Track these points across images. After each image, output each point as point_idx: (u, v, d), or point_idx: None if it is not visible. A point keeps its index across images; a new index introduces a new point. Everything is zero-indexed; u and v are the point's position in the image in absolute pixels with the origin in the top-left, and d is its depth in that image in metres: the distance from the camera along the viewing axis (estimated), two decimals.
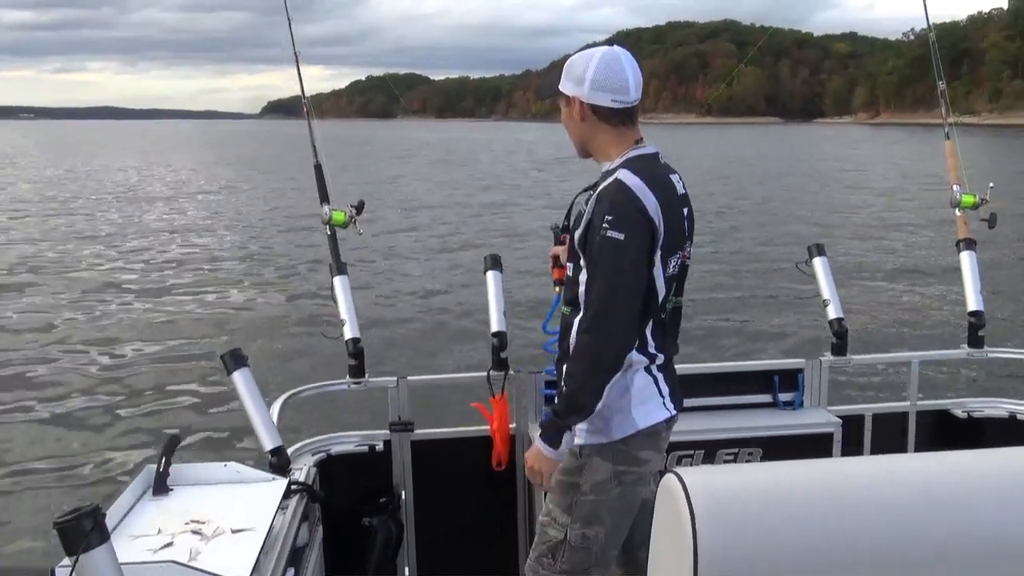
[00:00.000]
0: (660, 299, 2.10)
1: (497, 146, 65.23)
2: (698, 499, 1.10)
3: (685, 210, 2.16)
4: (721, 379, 3.20)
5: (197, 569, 1.76)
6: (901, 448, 3.26)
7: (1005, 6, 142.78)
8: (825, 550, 1.12)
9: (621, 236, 1.98)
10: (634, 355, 2.09)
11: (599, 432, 2.12)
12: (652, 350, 2.13)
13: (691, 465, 2.94)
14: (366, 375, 3.03)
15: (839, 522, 1.13)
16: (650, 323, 2.11)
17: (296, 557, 2.24)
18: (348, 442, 3.01)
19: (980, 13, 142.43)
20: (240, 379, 2.49)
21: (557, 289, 2.36)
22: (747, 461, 2.96)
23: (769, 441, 2.98)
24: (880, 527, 1.12)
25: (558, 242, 2.42)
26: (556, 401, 2.14)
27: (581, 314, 2.09)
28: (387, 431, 3.02)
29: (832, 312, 3.26)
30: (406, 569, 3.08)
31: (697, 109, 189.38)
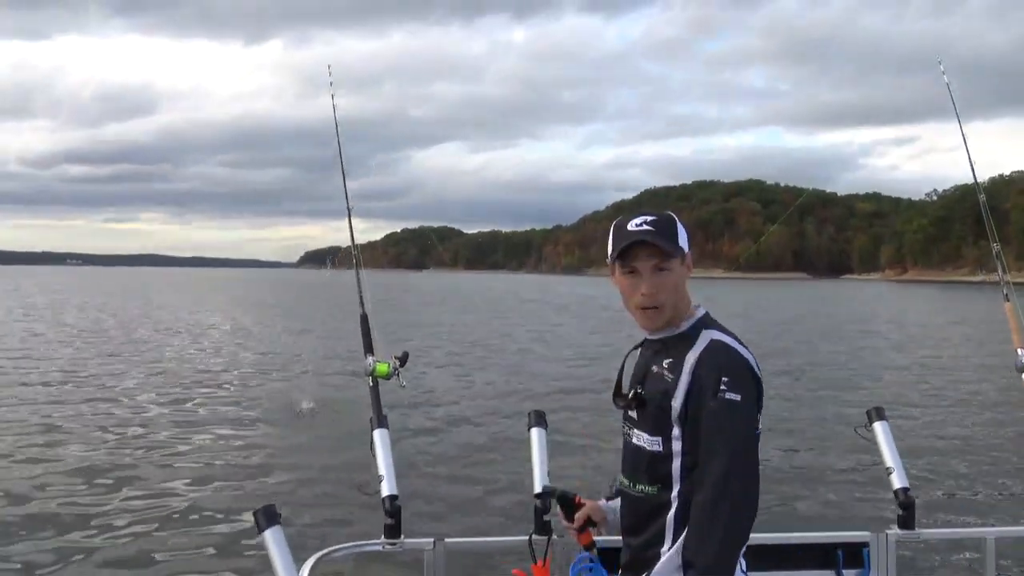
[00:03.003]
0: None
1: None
2: None
3: None
4: (780, 551, 2.99)
5: None
6: None
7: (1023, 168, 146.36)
8: None
9: (738, 398, 1.91)
10: None
11: None
12: None
13: None
14: (402, 535, 2.89)
15: None
16: None
17: None
18: None
19: (1001, 176, 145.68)
20: (271, 538, 2.39)
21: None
22: None
23: None
24: None
25: (569, 504, 2.23)
26: (697, 559, 1.91)
27: (695, 489, 1.94)
28: None
29: (897, 481, 3.07)
30: None
31: (724, 264, 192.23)
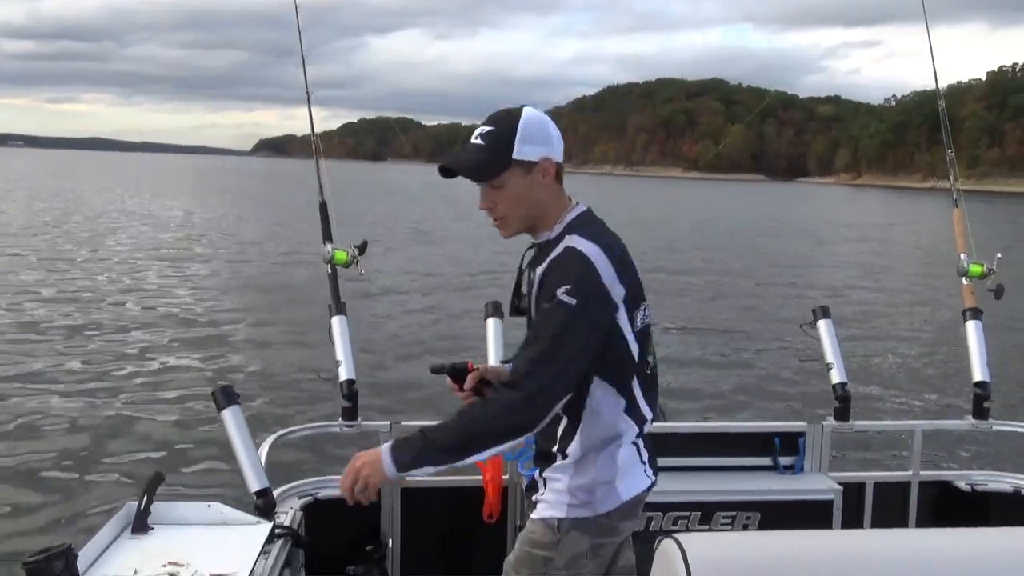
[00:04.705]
0: (637, 357, 1.96)
1: None
2: (698, 569, 1.07)
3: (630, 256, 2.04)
4: (721, 439, 3.16)
5: None
6: (902, 519, 3.21)
7: (983, 77, 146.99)
8: None
9: (573, 302, 1.82)
10: (625, 423, 1.96)
11: (583, 506, 1.97)
12: (644, 414, 2.00)
13: (687, 527, 2.88)
14: (359, 418, 2.96)
15: None
16: (636, 384, 1.98)
17: None
18: (336, 487, 2.92)
19: (959, 83, 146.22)
20: (230, 417, 2.43)
21: None
22: (745, 525, 2.91)
23: (768, 506, 2.94)
24: None
25: (461, 374, 2.03)
26: (438, 427, 1.88)
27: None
28: None
29: (836, 376, 3.23)
30: None
31: (684, 164, 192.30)
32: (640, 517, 2.10)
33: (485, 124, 1.98)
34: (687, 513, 2.87)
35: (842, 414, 3.20)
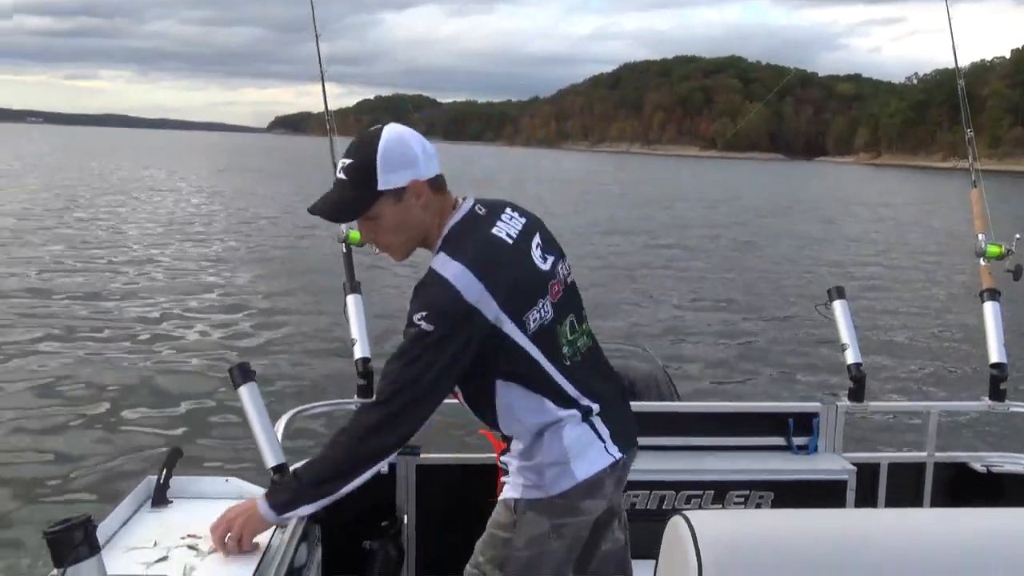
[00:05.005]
0: (540, 358, 1.89)
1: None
2: (706, 546, 1.06)
3: (534, 242, 1.96)
4: (734, 419, 3.15)
5: None
6: (917, 500, 3.20)
7: (1007, 55, 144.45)
8: None
9: (431, 328, 1.79)
10: (558, 412, 1.92)
11: (535, 487, 1.95)
12: (579, 400, 1.94)
13: (700, 506, 2.89)
14: (374, 395, 2.98)
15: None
16: (558, 378, 1.92)
17: None
18: None
19: (982, 61, 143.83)
20: (246, 393, 2.45)
21: None
22: (758, 504, 2.92)
23: (781, 485, 2.94)
24: None
25: None
26: (306, 464, 1.92)
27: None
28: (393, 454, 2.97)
29: (850, 357, 3.20)
30: None
31: (701, 142, 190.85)
32: (607, 496, 2.03)
33: (346, 155, 1.91)
34: (700, 492, 2.88)
35: (857, 395, 3.18)
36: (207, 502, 2.24)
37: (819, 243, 22.69)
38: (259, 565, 1.90)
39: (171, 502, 2.21)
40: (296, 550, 2.23)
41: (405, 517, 2.99)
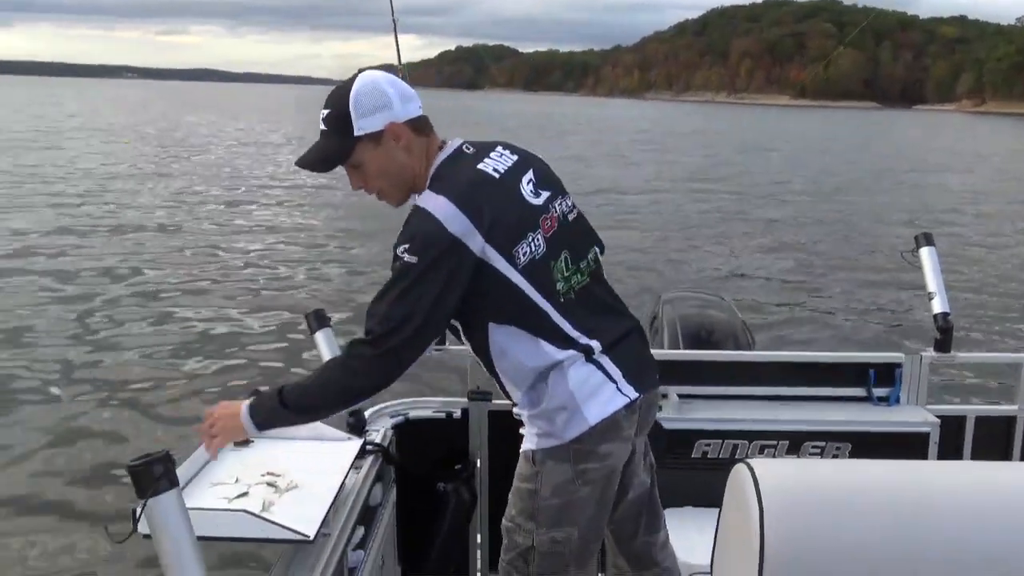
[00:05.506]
0: (533, 293, 1.86)
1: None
2: (768, 493, 1.05)
3: (525, 177, 1.94)
4: (813, 369, 3.05)
5: (267, 520, 1.79)
6: (1004, 455, 3.06)
7: None
8: (903, 559, 1.04)
9: (414, 260, 1.78)
10: (557, 353, 1.88)
11: (548, 435, 1.93)
12: (578, 339, 1.90)
13: (774, 456, 2.84)
14: (447, 343, 3.02)
15: (921, 530, 1.05)
16: (555, 315, 1.88)
17: (368, 516, 2.26)
18: (426, 408, 3.00)
19: None
20: (322, 339, 2.51)
21: None
22: (835, 456, 2.84)
23: (860, 437, 2.84)
24: (971, 539, 1.04)
25: None
26: (294, 386, 1.90)
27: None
28: (465, 399, 3.01)
29: (937, 306, 3.05)
30: (478, 536, 3.08)
31: (791, 91, 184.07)
32: (629, 439, 1.98)
33: (324, 106, 1.93)
34: (774, 442, 2.82)
35: (943, 345, 3.03)
36: (286, 442, 2.33)
37: (910, 190, 21.81)
38: (333, 502, 1.97)
39: (252, 441, 2.30)
40: (371, 490, 2.30)
41: (478, 461, 3.04)
